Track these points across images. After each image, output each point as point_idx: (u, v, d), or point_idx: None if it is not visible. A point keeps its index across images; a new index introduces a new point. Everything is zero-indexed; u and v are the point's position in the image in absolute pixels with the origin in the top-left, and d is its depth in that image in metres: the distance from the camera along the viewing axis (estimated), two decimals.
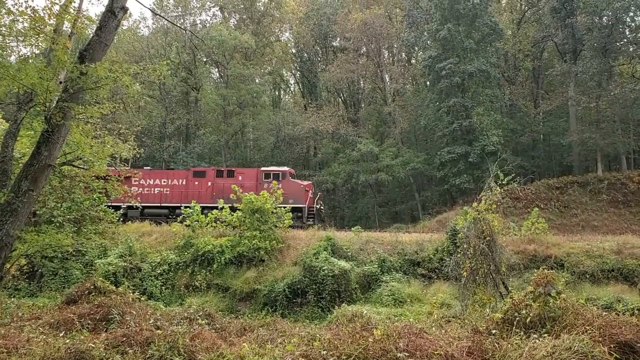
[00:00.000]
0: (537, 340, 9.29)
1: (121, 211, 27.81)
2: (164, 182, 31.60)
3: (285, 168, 32.85)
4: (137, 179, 30.93)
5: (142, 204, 28.84)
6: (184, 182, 31.46)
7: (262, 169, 32.43)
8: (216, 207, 25.79)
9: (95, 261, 21.09)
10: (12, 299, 17.13)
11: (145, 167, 34.68)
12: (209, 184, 31.13)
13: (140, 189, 30.93)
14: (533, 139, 47.67)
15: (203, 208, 26.24)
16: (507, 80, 49.76)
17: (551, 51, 50.83)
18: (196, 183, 31.31)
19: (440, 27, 40.87)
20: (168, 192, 31.24)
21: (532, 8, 50.13)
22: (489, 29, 41.74)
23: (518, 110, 47.87)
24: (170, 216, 29.92)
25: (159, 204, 30.86)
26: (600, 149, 40.66)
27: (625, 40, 41.77)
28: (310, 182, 34.12)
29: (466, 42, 40.18)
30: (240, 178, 30.99)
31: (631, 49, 41.65)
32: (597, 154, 41.73)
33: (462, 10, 40.18)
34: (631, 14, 40.88)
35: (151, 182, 31.53)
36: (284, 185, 28.27)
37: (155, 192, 31.35)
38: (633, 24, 41.74)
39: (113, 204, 26.16)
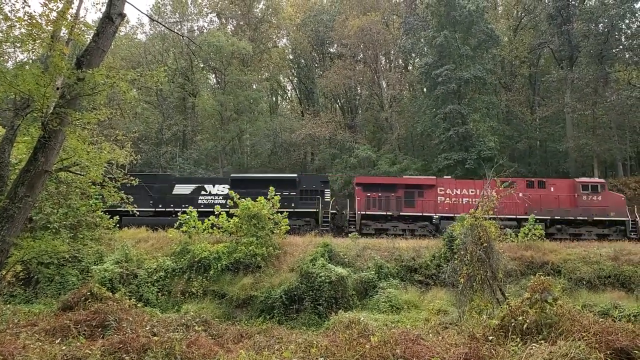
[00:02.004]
0: (533, 347, 9.29)
1: (433, 221, 28.71)
2: (471, 191, 30.96)
3: (602, 180, 32.07)
4: (442, 188, 30.64)
5: (453, 214, 28.66)
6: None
7: (579, 180, 31.50)
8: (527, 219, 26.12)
9: (92, 267, 21.03)
10: (8, 306, 17.08)
11: (445, 177, 34.03)
12: (520, 194, 29.81)
13: (447, 199, 30.57)
14: (529, 145, 47.77)
15: (516, 220, 27.36)
16: (504, 86, 49.89)
17: (547, 58, 51.00)
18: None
19: (436, 34, 41.00)
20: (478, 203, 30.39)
21: (528, 15, 50.31)
22: (486, 35, 41.89)
23: (514, 117, 47.97)
24: None
25: None
26: (597, 155, 40.79)
27: (621, 47, 41.96)
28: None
29: (462, 49, 40.30)
30: (552, 189, 30.51)
31: (627, 56, 41.84)
32: (593, 160, 41.87)
33: (458, 17, 40.32)
34: (627, 21, 41.08)
35: (458, 192, 30.98)
36: (604, 197, 28.02)
37: (464, 202, 30.66)
38: (629, 31, 41.93)
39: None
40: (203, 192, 31.57)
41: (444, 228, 28.29)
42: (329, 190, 31.96)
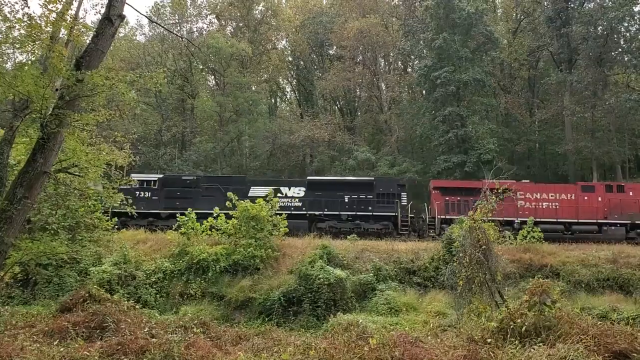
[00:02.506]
0: (532, 350, 9.29)
1: (515, 226, 28.33)
2: (551, 196, 30.61)
3: None
4: (522, 192, 30.44)
5: (536, 219, 28.39)
6: (572, 197, 30.39)
7: None
8: (610, 224, 26.26)
9: (90, 269, 20.97)
10: (6, 307, 17.03)
11: (523, 181, 33.78)
12: (599, 199, 30.00)
13: (527, 203, 30.28)
14: (528, 147, 47.82)
15: (597, 224, 27.80)
16: (503, 89, 49.95)
17: (546, 60, 51.07)
18: (585, 198, 30.23)
19: (435, 36, 41.03)
20: (558, 207, 30.16)
21: (527, 17, 50.41)
22: (485, 38, 41.94)
23: (513, 119, 48.04)
24: (565, 232, 29.13)
25: (553, 219, 29.73)
26: (596, 158, 40.83)
27: (620, 50, 42.01)
28: None
29: (462, 51, 40.34)
30: (631, 194, 30.26)
31: (626, 59, 41.89)
32: (592, 163, 41.92)
33: (457, 19, 40.36)
34: (625, 24, 41.14)
35: (537, 196, 30.67)
36: None
37: (543, 206, 30.42)
38: (628, 34, 41.99)
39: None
40: (279, 195, 30.68)
41: None
42: (405, 193, 31.50)
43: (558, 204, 30.13)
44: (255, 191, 30.91)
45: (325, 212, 30.59)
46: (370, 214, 29.93)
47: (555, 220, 29.56)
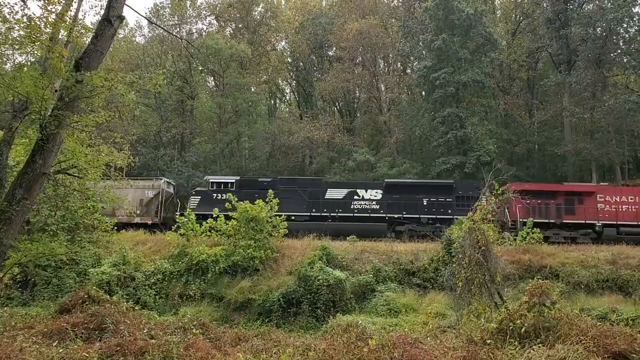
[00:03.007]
0: (532, 351, 9.30)
1: (596, 229, 28.46)
2: (631, 199, 30.25)
3: None
4: (602, 195, 30.13)
5: (615, 222, 28.59)
6: None
7: None
8: None
9: (89, 270, 20.98)
10: (5, 308, 17.06)
11: (602, 183, 33.30)
12: None
13: (607, 206, 29.96)
14: (528, 149, 47.82)
15: None
16: (502, 90, 49.94)
17: (546, 62, 51.08)
18: None
19: (435, 38, 41.03)
20: (638, 209, 29.82)
21: (526, 19, 50.43)
22: (484, 39, 41.95)
23: (513, 121, 48.03)
24: None
25: (633, 222, 29.40)
26: (595, 159, 40.82)
27: (619, 51, 42.00)
28: None
29: (461, 53, 40.35)
30: None
31: (625, 60, 41.89)
32: (591, 164, 41.90)
33: (456, 20, 40.38)
34: (625, 25, 41.14)
35: (618, 199, 30.23)
36: None
37: (623, 209, 30.00)
38: (627, 35, 41.99)
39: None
40: (356, 197, 30.97)
41: (606, 235, 28.25)
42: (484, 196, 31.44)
43: (639, 207, 29.87)
44: (331, 193, 31.02)
45: (404, 215, 30.42)
46: (451, 217, 29.52)
47: (636, 223, 29.34)
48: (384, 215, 30.34)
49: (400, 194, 30.71)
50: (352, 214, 29.99)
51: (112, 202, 19.78)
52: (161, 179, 33.51)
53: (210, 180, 31.38)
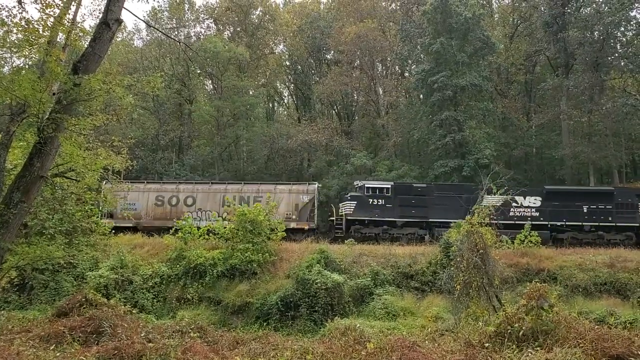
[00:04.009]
0: (529, 354, 9.29)
1: None
2: None
3: None
4: None
5: None
6: None
7: None
8: None
9: (87, 273, 20.97)
10: (2, 312, 17.04)
11: None
12: None
13: None
14: (526, 152, 47.83)
15: None
16: (500, 93, 49.99)
17: (543, 65, 51.15)
18: None
19: (433, 41, 41.08)
20: None
21: (524, 22, 50.50)
22: (482, 42, 42.00)
23: (510, 124, 48.05)
24: None
25: None
26: (593, 162, 40.85)
27: (616, 54, 42.08)
28: None
29: (459, 56, 40.40)
30: None
31: (622, 64, 41.95)
32: (589, 167, 41.93)
33: (454, 24, 40.44)
34: (622, 29, 41.24)
35: None
36: None
37: None
38: (624, 39, 42.09)
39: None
40: (514, 204, 30.36)
41: None
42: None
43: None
44: (488, 199, 30.31)
45: (566, 223, 29.88)
46: (612, 224, 29.41)
47: None
48: (546, 222, 29.66)
49: (560, 201, 30.03)
50: (512, 222, 29.18)
51: (109, 205, 19.76)
52: (315, 184, 32.84)
53: (366, 186, 30.70)
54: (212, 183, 32.86)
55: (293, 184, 33.35)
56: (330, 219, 31.56)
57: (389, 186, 30.78)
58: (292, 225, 29.74)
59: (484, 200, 29.31)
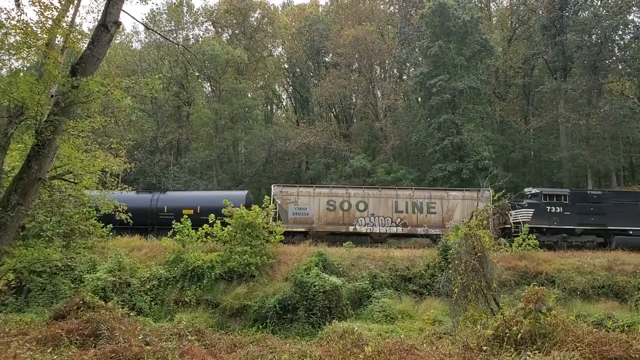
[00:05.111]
0: (528, 357, 9.28)
1: None
2: None
3: None
4: None
5: None
6: None
7: None
8: None
9: (84, 276, 20.89)
10: None
11: None
12: None
13: None
14: (524, 155, 47.96)
15: None
16: (498, 96, 50.09)
17: (541, 68, 51.28)
18: None
19: (431, 44, 41.21)
20: None
21: (522, 26, 50.67)
22: (480, 46, 42.14)
23: (509, 127, 48.17)
24: None
25: None
26: (591, 165, 40.94)
27: (614, 58, 42.25)
28: None
29: (457, 59, 40.51)
30: None
31: (620, 67, 42.15)
32: (587, 170, 42.03)
33: (452, 27, 40.55)
34: (620, 32, 41.40)
35: None
36: None
37: None
38: (622, 42, 42.26)
39: None
40: None
41: None
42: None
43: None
44: None
45: None
46: None
47: None
48: None
49: None
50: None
51: (107, 208, 19.70)
52: (488, 190, 31.38)
53: (544, 193, 29.61)
54: (381, 188, 32.04)
55: (466, 190, 32.15)
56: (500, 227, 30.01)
57: (566, 193, 29.74)
58: None
59: None
